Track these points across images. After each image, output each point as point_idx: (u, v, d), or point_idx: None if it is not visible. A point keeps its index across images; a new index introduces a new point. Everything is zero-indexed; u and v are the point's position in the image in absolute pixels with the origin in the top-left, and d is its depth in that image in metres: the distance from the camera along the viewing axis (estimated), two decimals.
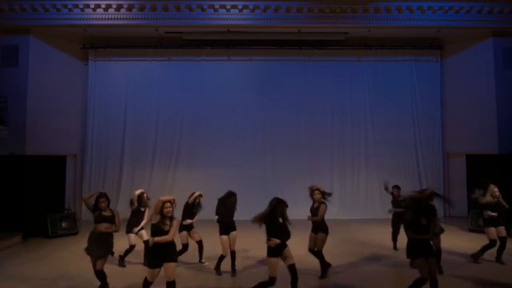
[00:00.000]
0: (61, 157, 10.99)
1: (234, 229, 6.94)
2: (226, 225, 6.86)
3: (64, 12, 11.38)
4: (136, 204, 7.38)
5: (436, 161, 13.16)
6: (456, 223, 11.64)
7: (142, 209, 7.42)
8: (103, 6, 11.33)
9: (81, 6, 11.29)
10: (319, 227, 6.60)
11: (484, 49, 12.16)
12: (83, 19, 11.50)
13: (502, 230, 7.55)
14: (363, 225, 11.36)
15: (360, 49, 13.15)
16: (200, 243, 7.46)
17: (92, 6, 11.30)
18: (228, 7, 11.40)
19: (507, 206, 7.60)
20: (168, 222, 5.11)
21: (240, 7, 11.40)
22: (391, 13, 11.61)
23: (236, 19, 11.62)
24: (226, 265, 6.96)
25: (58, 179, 10.67)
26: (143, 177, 12.79)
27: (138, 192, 7.47)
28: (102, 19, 11.49)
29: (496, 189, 7.67)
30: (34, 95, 11.62)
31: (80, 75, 13.01)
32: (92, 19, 11.51)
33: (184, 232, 7.27)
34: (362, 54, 13.28)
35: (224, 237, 6.81)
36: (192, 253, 7.70)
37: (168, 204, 5.13)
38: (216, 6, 11.39)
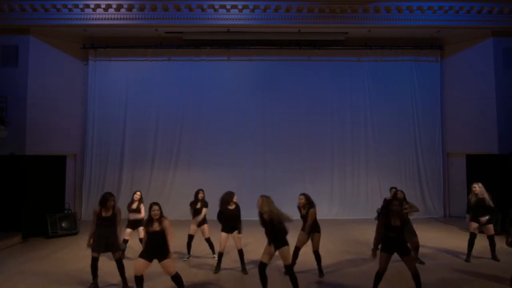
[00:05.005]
0: (61, 157, 10.98)
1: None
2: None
3: (64, 12, 11.38)
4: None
5: (436, 161, 13.16)
6: (456, 223, 11.64)
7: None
8: (103, 6, 11.32)
9: (81, 6, 11.29)
10: (313, 228, 6.70)
11: (484, 49, 12.16)
12: (83, 19, 11.50)
13: (489, 228, 7.69)
14: (363, 225, 11.35)
15: (360, 49, 13.15)
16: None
17: (92, 6, 11.30)
18: (228, 7, 11.40)
19: (492, 205, 7.63)
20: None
21: (240, 7, 11.40)
22: (391, 13, 11.60)
23: (236, 19, 11.61)
24: (225, 263, 6.96)
25: (58, 179, 10.66)
26: (143, 177, 12.80)
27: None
28: (102, 19, 11.48)
29: (475, 185, 7.82)
30: (34, 95, 11.61)
31: (80, 75, 13.01)
32: (92, 19, 11.50)
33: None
34: (362, 54, 13.27)
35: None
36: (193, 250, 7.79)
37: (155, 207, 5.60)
38: (216, 6, 11.38)
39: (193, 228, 7.86)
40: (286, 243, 5.59)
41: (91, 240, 6.16)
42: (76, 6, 11.30)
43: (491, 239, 7.72)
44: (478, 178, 10.86)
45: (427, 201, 12.99)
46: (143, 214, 7.84)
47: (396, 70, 13.31)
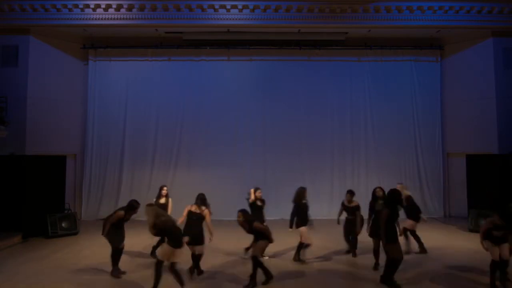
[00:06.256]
0: (61, 157, 10.98)
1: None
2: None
3: (64, 12, 11.37)
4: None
5: (436, 161, 13.16)
6: (456, 223, 11.65)
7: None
8: (103, 6, 11.32)
9: (81, 6, 11.29)
10: (260, 235, 6.49)
11: (484, 49, 12.15)
12: (83, 19, 11.49)
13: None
14: (363, 225, 11.34)
15: (360, 49, 13.15)
16: None
17: (92, 6, 11.29)
18: (228, 7, 11.40)
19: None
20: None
21: (240, 7, 11.40)
22: (391, 13, 11.60)
23: (236, 19, 11.61)
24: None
25: (58, 179, 10.67)
26: (143, 177, 12.80)
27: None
28: (102, 19, 11.48)
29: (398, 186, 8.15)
30: (34, 95, 11.61)
31: (80, 75, 13.00)
32: (92, 19, 11.49)
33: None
34: (362, 54, 13.27)
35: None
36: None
37: None
38: (216, 6, 11.38)
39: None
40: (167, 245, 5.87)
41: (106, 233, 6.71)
42: (76, 6, 11.29)
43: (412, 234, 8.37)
44: (478, 178, 11.03)
45: (427, 201, 12.98)
46: (170, 210, 7.94)
47: (396, 70, 13.30)
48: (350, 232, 8.04)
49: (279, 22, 11.69)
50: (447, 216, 12.92)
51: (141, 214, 10.69)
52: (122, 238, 6.90)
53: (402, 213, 7.49)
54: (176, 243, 5.82)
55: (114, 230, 6.71)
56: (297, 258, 7.66)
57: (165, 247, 5.93)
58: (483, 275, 6.76)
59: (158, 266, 5.90)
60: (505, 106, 11.80)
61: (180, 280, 5.85)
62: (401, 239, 7.67)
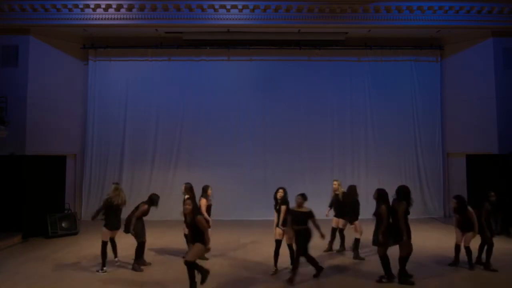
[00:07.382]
0: (61, 157, 10.99)
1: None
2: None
3: (64, 12, 11.38)
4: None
5: (436, 161, 13.17)
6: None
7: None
8: (103, 6, 11.33)
9: (81, 6, 11.29)
10: (198, 237, 5.92)
11: (484, 49, 12.16)
12: (83, 19, 11.50)
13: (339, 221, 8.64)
14: (363, 225, 11.33)
15: (360, 49, 13.15)
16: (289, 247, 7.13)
17: (92, 6, 11.30)
18: (228, 7, 11.40)
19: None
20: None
21: (240, 7, 11.40)
22: (391, 13, 11.61)
23: (236, 19, 11.62)
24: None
25: (58, 179, 10.67)
26: (143, 177, 12.80)
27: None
28: (102, 19, 11.49)
29: (334, 182, 8.76)
30: (34, 95, 11.61)
31: (80, 75, 13.01)
32: (92, 19, 11.50)
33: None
34: (362, 54, 13.27)
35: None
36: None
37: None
38: (216, 6, 11.39)
39: (279, 231, 7.07)
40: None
41: (133, 228, 7.10)
42: (76, 6, 11.30)
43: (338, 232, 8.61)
44: (478, 178, 11.03)
45: (427, 201, 12.99)
46: (187, 206, 7.47)
47: (396, 70, 13.31)
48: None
49: (279, 22, 11.70)
50: (447, 216, 12.92)
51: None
52: (144, 231, 7.29)
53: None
54: (106, 224, 7.00)
55: (138, 224, 7.10)
56: (357, 255, 7.94)
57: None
58: (483, 275, 6.77)
59: (102, 246, 6.93)
60: (505, 106, 11.80)
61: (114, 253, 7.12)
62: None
